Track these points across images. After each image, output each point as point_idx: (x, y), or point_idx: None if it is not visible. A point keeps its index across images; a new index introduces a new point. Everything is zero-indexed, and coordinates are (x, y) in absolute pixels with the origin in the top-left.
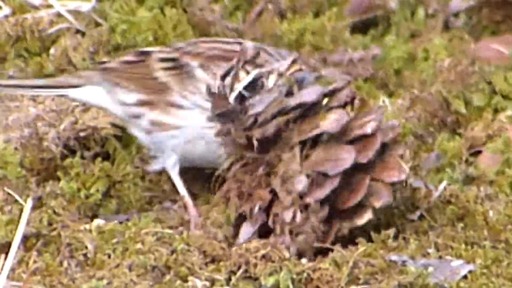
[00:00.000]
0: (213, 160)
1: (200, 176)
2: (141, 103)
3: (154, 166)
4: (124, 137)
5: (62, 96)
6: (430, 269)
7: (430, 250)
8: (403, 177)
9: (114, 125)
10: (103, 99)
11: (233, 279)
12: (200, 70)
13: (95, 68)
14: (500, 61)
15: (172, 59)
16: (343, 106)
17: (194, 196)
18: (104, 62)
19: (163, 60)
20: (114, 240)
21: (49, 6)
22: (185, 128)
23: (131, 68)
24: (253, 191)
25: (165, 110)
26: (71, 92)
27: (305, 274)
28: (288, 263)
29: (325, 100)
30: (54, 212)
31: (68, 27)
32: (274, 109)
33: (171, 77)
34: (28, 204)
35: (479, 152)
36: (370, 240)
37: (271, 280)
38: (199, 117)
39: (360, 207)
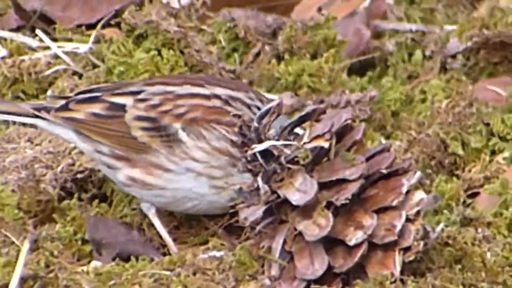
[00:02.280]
0: (197, 211)
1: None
2: (118, 157)
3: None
4: None
5: (31, 124)
6: None
7: None
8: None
9: None
10: (73, 138)
11: None
12: (185, 134)
13: (56, 115)
14: (497, 103)
15: (151, 119)
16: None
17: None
18: (65, 108)
19: (140, 118)
20: (111, 282)
21: (46, 48)
22: (172, 190)
23: (102, 123)
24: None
25: (148, 170)
26: (39, 122)
27: None
28: None
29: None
30: (52, 254)
31: (65, 69)
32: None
33: (154, 138)
34: (25, 246)
35: (477, 193)
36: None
37: None
38: (190, 180)
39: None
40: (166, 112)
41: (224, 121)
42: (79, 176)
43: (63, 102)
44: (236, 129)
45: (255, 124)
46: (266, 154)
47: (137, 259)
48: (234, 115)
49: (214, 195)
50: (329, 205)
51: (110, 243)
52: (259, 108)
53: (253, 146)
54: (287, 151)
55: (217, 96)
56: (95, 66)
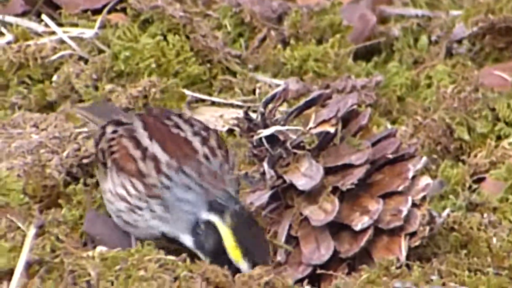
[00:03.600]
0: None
1: None
2: None
3: None
4: None
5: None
6: None
7: (433, 277)
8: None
9: None
10: None
11: None
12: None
13: None
14: (503, 88)
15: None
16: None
17: None
18: None
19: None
20: (117, 267)
21: (52, 33)
22: None
23: None
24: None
25: None
26: None
27: None
28: None
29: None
30: (57, 239)
31: (71, 54)
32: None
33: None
34: (31, 231)
35: (483, 179)
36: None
37: None
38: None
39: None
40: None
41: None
42: (84, 161)
43: None
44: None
45: (261, 109)
46: (272, 139)
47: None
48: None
49: (134, 230)
50: (335, 190)
51: (105, 242)
52: (168, 178)
53: (259, 131)
54: (293, 136)
55: (145, 149)
56: (100, 51)
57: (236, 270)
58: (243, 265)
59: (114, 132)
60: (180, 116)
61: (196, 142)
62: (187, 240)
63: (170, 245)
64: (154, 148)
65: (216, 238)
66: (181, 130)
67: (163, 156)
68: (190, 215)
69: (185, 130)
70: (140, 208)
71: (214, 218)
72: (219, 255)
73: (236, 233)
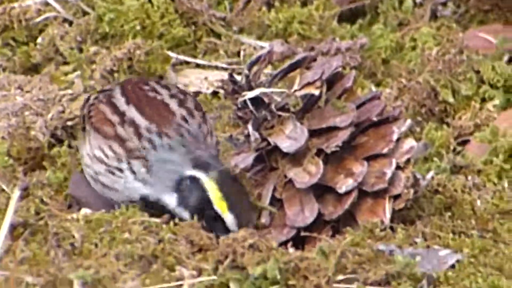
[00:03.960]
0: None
1: None
2: None
3: None
4: None
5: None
6: (418, 258)
7: (417, 240)
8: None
9: None
10: None
11: (220, 268)
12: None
13: None
14: (488, 50)
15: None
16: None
17: None
18: None
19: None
20: (101, 229)
21: None
22: None
23: None
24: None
25: None
26: None
27: (292, 264)
28: (276, 253)
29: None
30: (42, 201)
31: (55, 16)
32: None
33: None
34: (15, 194)
35: (467, 141)
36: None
37: (258, 270)
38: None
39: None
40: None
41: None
42: (69, 123)
43: None
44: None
45: (246, 71)
46: (257, 101)
47: None
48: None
49: (113, 194)
50: (319, 152)
51: (89, 204)
52: (150, 142)
53: (244, 93)
54: (278, 98)
55: (122, 114)
56: (85, 13)
57: (219, 230)
58: (228, 217)
59: (96, 98)
60: (157, 82)
61: (173, 104)
62: (170, 199)
63: (148, 210)
64: (132, 113)
65: (201, 193)
66: (158, 93)
67: (141, 121)
68: (173, 174)
69: (162, 94)
70: (120, 170)
71: (199, 173)
72: (202, 211)
73: (222, 187)
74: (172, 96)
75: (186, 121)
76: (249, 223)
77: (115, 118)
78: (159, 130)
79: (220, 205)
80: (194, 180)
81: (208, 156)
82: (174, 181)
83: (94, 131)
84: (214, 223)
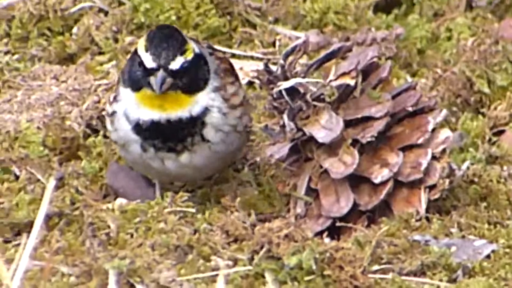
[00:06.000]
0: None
1: None
2: None
3: None
4: None
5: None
6: (453, 248)
7: (453, 230)
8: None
9: None
10: None
11: (256, 258)
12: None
13: None
14: None
15: None
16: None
17: None
18: None
19: None
20: (137, 220)
21: None
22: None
23: None
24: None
25: None
26: None
27: (327, 254)
28: (311, 243)
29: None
30: (77, 191)
31: (91, 6)
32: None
33: None
34: (51, 184)
35: (502, 131)
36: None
37: (294, 260)
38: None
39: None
40: None
41: None
42: (104, 113)
43: None
44: None
45: (281, 61)
46: (292, 91)
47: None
48: None
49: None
50: (354, 142)
51: (127, 194)
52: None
53: (279, 83)
54: (313, 88)
55: None
56: (120, 3)
57: (138, 73)
58: (145, 57)
59: None
60: None
61: None
62: None
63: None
64: None
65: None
66: None
67: None
68: None
69: None
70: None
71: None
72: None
73: (150, 33)
74: None
75: None
76: (165, 61)
77: None
78: None
79: (140, 45)
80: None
81: None
82: None
83: None
84: (135, 67)
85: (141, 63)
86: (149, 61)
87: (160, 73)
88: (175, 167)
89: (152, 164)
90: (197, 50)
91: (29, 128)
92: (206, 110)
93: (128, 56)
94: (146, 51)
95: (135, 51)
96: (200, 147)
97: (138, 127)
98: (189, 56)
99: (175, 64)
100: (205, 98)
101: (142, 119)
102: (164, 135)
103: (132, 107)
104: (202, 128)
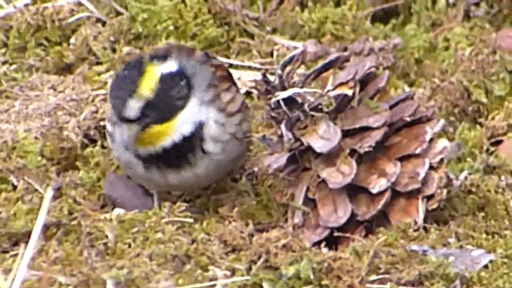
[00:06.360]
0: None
1: None
2: None
3: None
4: None
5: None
6: (451, 258)
7: (451, 240)
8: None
9: None
10: None
11: (254, 268)
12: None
13: None
14: None
15: None
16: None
17: None
18: None
19: None
20: (135, 229)
21: None
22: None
23: None
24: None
25: None
26: None
27: (325, 264)
28: (309, 253)
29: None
30: (75, 201)
31: (88, 16)
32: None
33: None
34: (49, 193)
35: (500, 141)
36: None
37: (291, 270)
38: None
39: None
40: None
41: None
42: (102, 123)
43: None
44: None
45: (279, 71)
46: (290, 101)
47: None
48: None
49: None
50: (352, 152)
51: (125, 204)
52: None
53: (277, 93)
54: (311, 98)
55: None
56: (118, 13)
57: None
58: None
59: None
60: None
61: None
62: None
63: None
64: None
65: None
66: None
67: None
68: None
69: None
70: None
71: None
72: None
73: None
74: None
75: None
76: (119, 111)
77: None
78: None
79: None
80: None
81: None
82: None
83: None
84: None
85: None
86: (112, 115)
87: (123, 126)
88: (176, 180)
89: (153, 178)
90: (169, 70)
91: (27, 138)
92: (200, 125)
93: None
94: (109, 101)
95: None
96: (201, 160)
97: (138, 156)
98: (147, 92)
99: (132, 111)
100: (193, 114)
101: (140, 151)
102: (165, 159)
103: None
104: (202, 142)
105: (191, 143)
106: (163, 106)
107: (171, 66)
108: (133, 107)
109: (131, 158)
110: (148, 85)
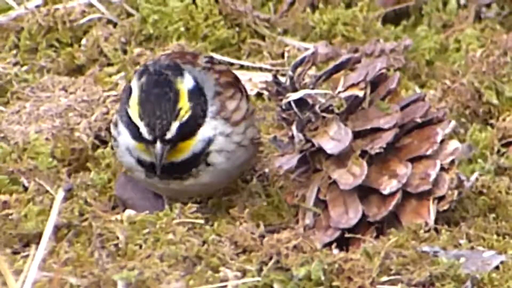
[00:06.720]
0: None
1: None
2: None
3: None
4: None
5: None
6: (462, 260)
7: (462, 241)
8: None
9: None
10: None
11: (265, 269)
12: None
13: None
14: None
15: None
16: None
17: None
18: None
19: None
20: (145, 231)
21: None
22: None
23: None
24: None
25: None
26: None
27: (336, 265)
28: (320, 254)
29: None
30: (86, 202)
31: (99, 18)
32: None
33: None
34: (60, 195)
35: (511, 142)
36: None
37: (302, 271)
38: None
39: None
40: None
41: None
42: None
43: None
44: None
45: (290, 73)
46: (301, 103)
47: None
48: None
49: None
50: (363, 153)
51: (136, 206)
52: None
53: (288, 95)
54: (322, 99)
55: None
56: (129, 14)
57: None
58: (140, 126)
59: None
60: None
61: None
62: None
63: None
64: None
65: (127, 95)
66: None
67: None
68: None
69: None
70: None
71: (133, 79)
72: (126, 112)
73: (142, 91)
74: None
75: None
76: (160, 132)
77: None
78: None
79: (133, 105)
80: (129, 88)
81: (153, 61)
82: None
83: None
84: (131, 127)
85: (136, 126)
86: (144, 133)
87: (158, 146)
88: (179, 187)
89: (157, 185)
90: (190, 86)
91: (38, 139)
92: (209, 141)
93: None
94: (141, 119)
95: (130, 88)
96: (204, 171)
97: (141, 162)
98: (185, 114)
99: (171, 132)
100: (207, 130)
101: (144, 159)
102: (169, 171)
103: (133, 147)
104: (207, 156)
105: (197, 158)
106: (191, 125)
107: (189, 81)
108: (175, 129)
109: (133, 163)
110: (185, 106)
